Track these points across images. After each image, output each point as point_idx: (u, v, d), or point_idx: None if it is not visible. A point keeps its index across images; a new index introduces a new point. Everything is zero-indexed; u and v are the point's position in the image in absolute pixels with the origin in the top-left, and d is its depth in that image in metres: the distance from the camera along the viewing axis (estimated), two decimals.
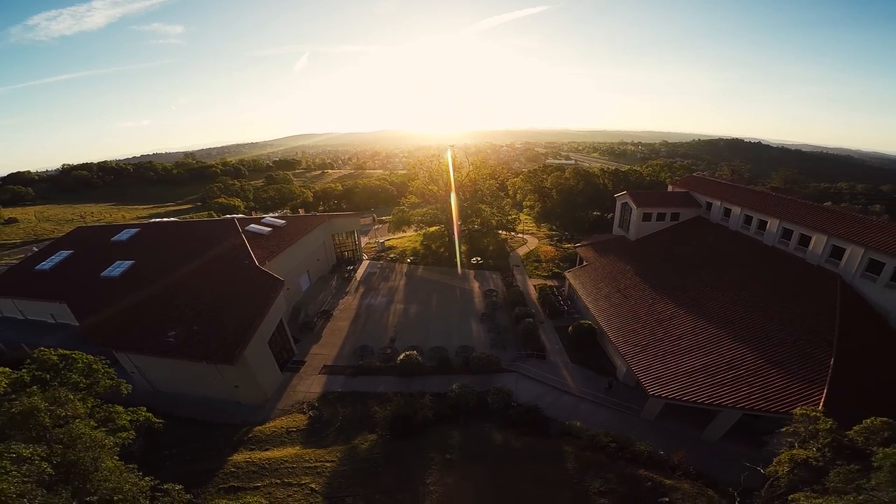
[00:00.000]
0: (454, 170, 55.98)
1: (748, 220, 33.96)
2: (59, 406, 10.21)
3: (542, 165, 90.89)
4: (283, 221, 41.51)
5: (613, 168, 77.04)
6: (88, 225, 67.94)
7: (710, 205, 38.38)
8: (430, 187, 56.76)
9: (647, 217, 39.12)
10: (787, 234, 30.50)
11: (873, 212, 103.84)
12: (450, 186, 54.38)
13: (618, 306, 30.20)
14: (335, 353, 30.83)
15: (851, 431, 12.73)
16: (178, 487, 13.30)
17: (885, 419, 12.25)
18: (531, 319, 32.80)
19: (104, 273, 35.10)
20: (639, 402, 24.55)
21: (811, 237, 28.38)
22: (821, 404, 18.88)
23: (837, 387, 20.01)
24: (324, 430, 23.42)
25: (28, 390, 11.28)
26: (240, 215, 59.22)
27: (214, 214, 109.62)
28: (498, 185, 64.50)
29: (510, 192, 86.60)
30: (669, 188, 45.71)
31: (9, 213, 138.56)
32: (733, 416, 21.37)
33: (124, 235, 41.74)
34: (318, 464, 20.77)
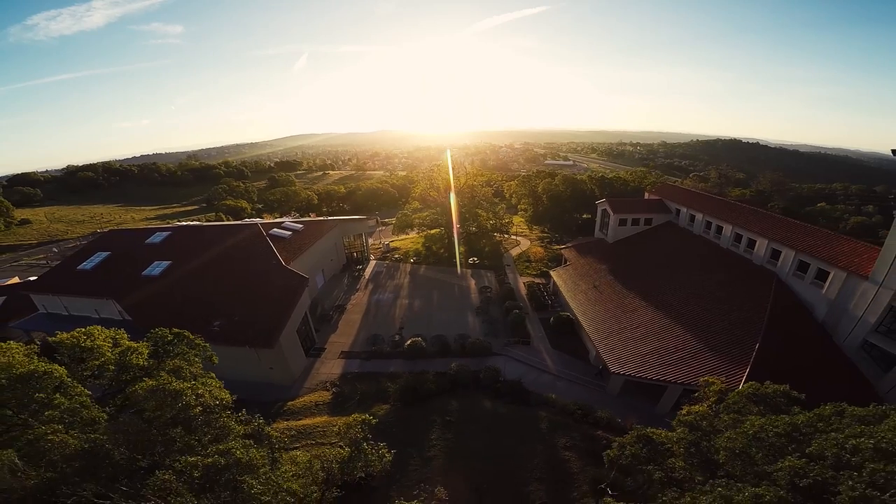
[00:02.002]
0: (453, 176, 60.70)
1: (708, 225, 38.94)
2: (191, 366, 15.02)
3: (535, 172, 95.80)
4: (300, 225, 46.39)
5: (600, 175, 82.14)
6: (119, 229, 72.78)
7: (678, 211, 43.38)
8: (430, 193, 61.68)
9: (622, 222, 44.13)
10: (738, 238, 35.52)
11: (866, 212, 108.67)
12: (449, 188, 59.08)
13: (592, 300, 35.26)
14: (351, 341, 35.90)
15: (731, 394, 17.60)
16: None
17: (752, 383, 17.06)
18: (519, 312, 37.87)
19: (145, 272, 39.60)
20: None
21: (756, 241, 33.46)
22: (742, 381, 23.79)
23: (759, 367, 24.78)
24: (346, 402, 28.34)
25: (150, 362, 16.06)
26: (258, 220, 63.92)
27: (224, 216, 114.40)
28: (493, 191, 69.44)
29: (507, 196, 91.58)
30: (646, 195, 50.73)
31: (19, 213, 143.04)
32: (677, 391, 26.35)
33: (157, 238, 46.25)
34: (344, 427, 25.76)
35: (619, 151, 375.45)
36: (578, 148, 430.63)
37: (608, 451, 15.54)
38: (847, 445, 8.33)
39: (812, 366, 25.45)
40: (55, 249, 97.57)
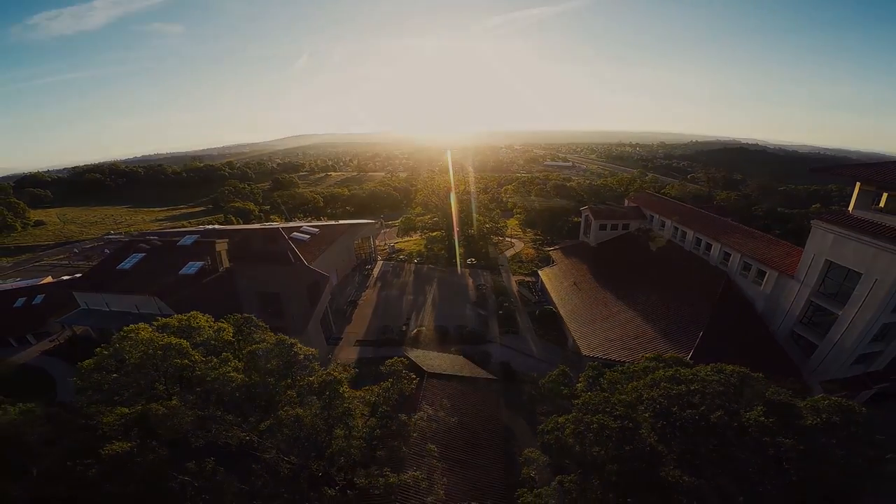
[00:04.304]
0: (453, 182, 65.78)
1: (676, 230, 44.54)
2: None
3: (530, 177, 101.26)
4: (317, 230, 51.94)
5: (588, 182, 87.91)
6: (148, 231, 78.21)
7: (652, 217, 48.98)
8: (431, 198, 67.19)
9: (602, 227, 49.74)
10: (698, 241, 41.11)
11: None
12: (450, 192, 64.17)
13: (572, 296, 40.93)
14: (364, 330, 41.58)
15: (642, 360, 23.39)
16: None
17: (655, 352, 22.72)
18: (510, 306, 43.62)
19: (182, 271, 44.86)
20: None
21: (712, 244, 39.03)
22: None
23: (701, 351, 30.11)
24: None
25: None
26: (275, 224, 69.36)
27: (233, 219, 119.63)
28: (489, 197, 74.99)
29: (504, 198, 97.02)
30: (626, 202, 56.33)
31: (32, 215, 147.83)
32: None
33: (188, 241, 51.36)
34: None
35: (619, 153, 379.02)
36: (578, 149, 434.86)
37: (542, 379, 22.71)
38: (662, 375, 14.20)
39: (749, 351, 30.61)
40: (76, 250, 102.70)
